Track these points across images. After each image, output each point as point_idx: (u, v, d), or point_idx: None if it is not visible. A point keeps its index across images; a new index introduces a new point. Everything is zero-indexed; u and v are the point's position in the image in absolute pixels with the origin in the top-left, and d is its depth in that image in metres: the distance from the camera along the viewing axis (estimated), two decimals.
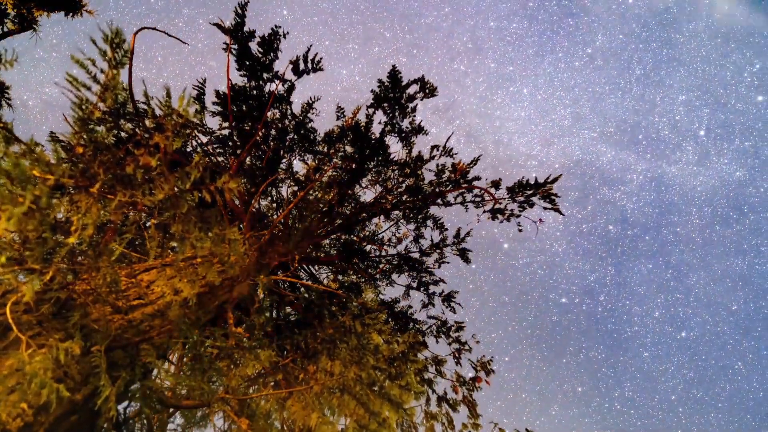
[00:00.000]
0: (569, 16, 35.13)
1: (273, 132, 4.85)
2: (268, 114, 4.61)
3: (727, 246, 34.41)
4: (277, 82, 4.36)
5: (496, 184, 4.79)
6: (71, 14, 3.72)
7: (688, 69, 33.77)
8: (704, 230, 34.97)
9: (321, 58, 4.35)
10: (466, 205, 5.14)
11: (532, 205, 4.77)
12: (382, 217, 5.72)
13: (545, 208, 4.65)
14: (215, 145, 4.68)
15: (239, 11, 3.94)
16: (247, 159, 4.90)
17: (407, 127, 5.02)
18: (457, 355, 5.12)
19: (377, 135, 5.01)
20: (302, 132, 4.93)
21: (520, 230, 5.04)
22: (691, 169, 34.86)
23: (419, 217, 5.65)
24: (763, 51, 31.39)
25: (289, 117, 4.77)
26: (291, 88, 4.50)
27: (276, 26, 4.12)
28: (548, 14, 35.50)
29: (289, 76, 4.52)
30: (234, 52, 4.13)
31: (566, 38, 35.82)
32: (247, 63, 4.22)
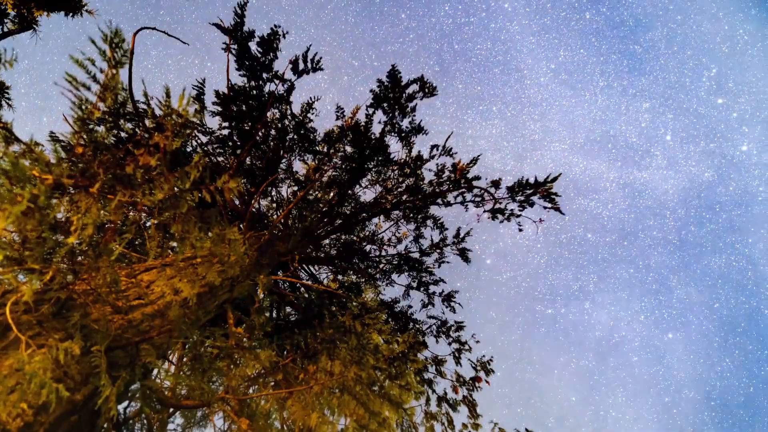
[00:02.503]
0: (530, 35, 36.40)
1: (273, 132, 4.85)
2: (268, 114, 4.60)
3: (703, 245, 35.36)
4: (276, 82, 4.36)
5: (496, 183, 4.79)
6: (71, 14, 3.72)
7: (649, 77, 35.14)
8: (680, 232, 35.95)
9: (321, 58, 4.34)
10: (466, 205, 5.14)
11: (532, 205, 4.77)
12: (382, 217, 5.71)
13: (545, 208, 4.65)
14: (215, 145, 4.68)
15: (239, 11, 3.94)
16: (247, 159, 4.90)
17: (407, 127, 5.02)
18: (457, 355, 5.12)
19: (377, 135, 5.01)
20: (302, 132, 4.93)
21: (521, 230, 5.04)
22: (662, 173, 35.99)
23: (419, 216, 5.65)
24: (717, 56, 32.63)
25: (289, 117, 4.77)
26: (291, 88, 4.50)
27: (275, 26, 4.12)
28: (510, 34, 36.86)
29: (289, 76, 4.52)
30: (234, 52, 4.13)
31: (529, 56, 37.14)
32: (247, 63, 4.22)
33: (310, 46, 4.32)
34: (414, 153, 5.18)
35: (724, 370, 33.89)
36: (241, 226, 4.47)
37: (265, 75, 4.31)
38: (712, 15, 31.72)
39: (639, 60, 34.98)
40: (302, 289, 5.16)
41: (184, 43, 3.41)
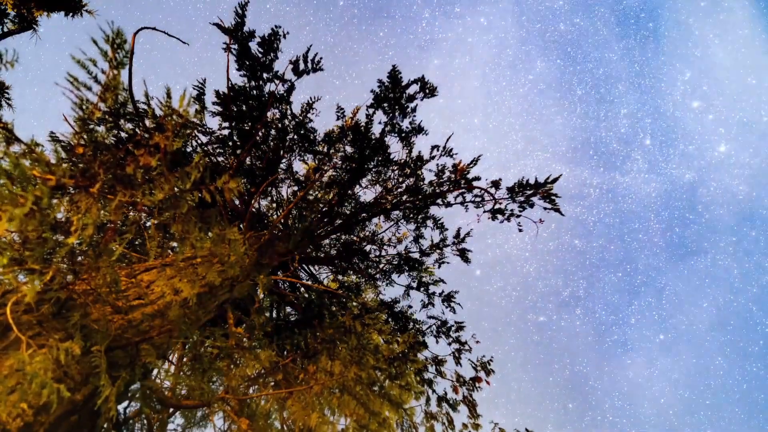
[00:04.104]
0: (507, 47, 37.26)
1: (273, 132, 4.85)
2: (268, 114, 4.60)
3: (688, 246, 35.87)
4: (277, 82, 4.36)
5: (496, 184, 4.79)
6: (71, 14, 3.72)
7: (625, 84, 35.96)
8: (665, 233, 36.41)
9: (321, 58, 4.34)
10: (466, 206, 5.14)
11: (532, 206, 4.77)
12: (382, 217, 5.71)
13: (545, 209, 4.65)
14: (215, 145, 4.68)
15: (239, 11, 3.94)
16: (247, 159, 4.90)
17: (407, 127, 5.02)
18: (457, 355, 5.12)
19: (377, 135, 5.01)
20: (302, 132, 4.93)
21: (521, 230, 5.04)
22: (643, 176, 36.56)
23: (419, 217, 5.65)
24: (690, 61, 33.52)
25: (289, 117, 4.77)
26: (291, 88, 4.50)
27: (276, 26, 4.12)
28: (487, 47, 37.51)
29: (289, 76, 4.52)
30: (234, 52, 4.13)
31: (508, 68, 37.92)
32: (247, 63, 4.22)
33: (311, 46, 4.32)
34: (414, 153, 5.18)
35: (717, 369, 34.20)
36: (241, 226, 4.47)
37: (265, 75, 4.31)
38: (682, 21, 32.73)
39: (614, 67, 36.04)
40: (302, 289, 5.16)
41: (184, 42, 3.41)
